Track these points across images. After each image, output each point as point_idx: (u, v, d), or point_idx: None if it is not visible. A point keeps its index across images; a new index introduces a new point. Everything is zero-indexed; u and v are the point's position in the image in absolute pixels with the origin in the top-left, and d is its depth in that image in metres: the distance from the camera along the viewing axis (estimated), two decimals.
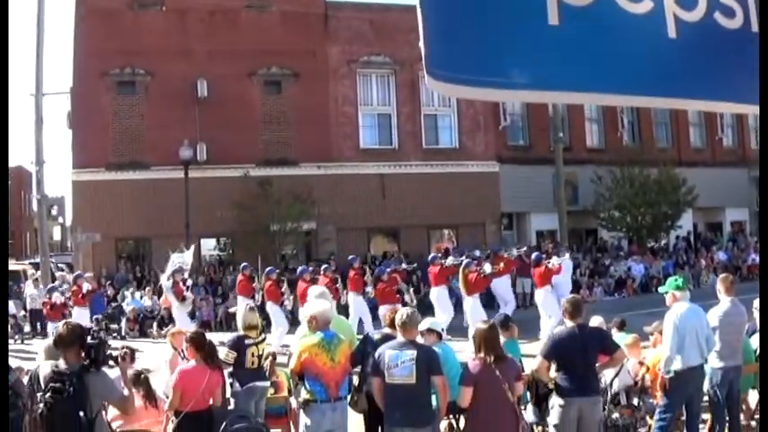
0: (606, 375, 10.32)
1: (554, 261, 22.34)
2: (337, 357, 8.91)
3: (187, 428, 9.00)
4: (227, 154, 32.14)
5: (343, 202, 33.65)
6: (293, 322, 19.85)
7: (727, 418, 10.76)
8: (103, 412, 7.87)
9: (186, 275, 21.58)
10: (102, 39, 31.78)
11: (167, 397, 9.77)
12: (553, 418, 9.18)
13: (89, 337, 7.42)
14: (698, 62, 3.74)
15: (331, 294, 12.64)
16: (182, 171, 31.49)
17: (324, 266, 24.55)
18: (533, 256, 23.71)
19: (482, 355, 8.34)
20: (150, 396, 10.03)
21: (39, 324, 26.70)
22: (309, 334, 9.29)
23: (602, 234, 38.64)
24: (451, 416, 10.74)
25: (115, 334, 25.20)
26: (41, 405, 7.30)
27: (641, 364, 11.34)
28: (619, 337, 11.13)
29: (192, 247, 22.95)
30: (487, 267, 21.93)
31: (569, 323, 9.31)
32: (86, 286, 23.34)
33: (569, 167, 35.64)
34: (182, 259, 21.38)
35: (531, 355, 10.35)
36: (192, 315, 26.02)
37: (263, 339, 11.14)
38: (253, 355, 10.62)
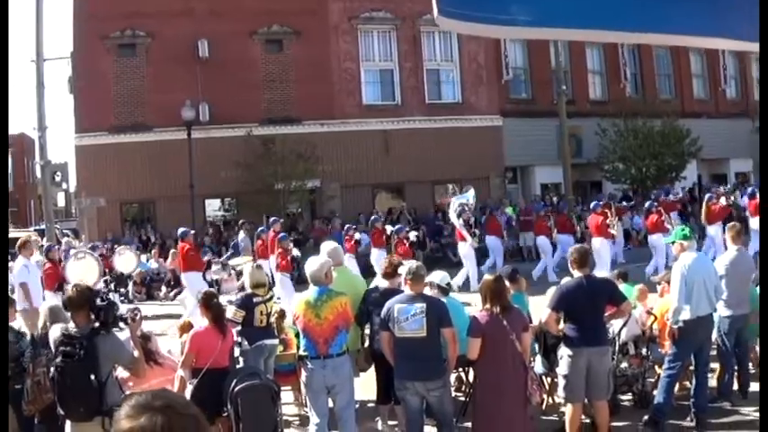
0: (614, 325, 10.34)
1: None
2: (323, 314, 8.77)
3: (207, 385, 8.96)
4: (230, 114, 32.03)
5: (347, 159, 33.61)
6: None
7: (736, 367, 10.81)
8: (115, 374, 7.87)
9: (470, 214, 22.80)
10: (102, 2, 31.60)
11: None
12: (562, 368, 9.22)
13: (98, 300, 7.45)
14: None
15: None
16: (185, 132, 31.43)
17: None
18: (749, 189, 26.75)
19: (489, 306, 8.36)
20: (149, 356, 9.96)
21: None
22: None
23: (607, 186, 38.53)
24: (461, 369, 10.80)
25: (122, 298, 25.30)
26: (52, 369, 7.34)
27: (649, 313, 11.36)
28: (623, 288, 11.10)
29: (471, 189, 23.85)
30: (723, 200, 23.86)
31: (577, 273, 9.31)
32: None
33: (573, 120, 35.45)
34: (464, 200, 22.53)
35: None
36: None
37: (271, 297, 11.16)
38: (261, 313, 10.65)
